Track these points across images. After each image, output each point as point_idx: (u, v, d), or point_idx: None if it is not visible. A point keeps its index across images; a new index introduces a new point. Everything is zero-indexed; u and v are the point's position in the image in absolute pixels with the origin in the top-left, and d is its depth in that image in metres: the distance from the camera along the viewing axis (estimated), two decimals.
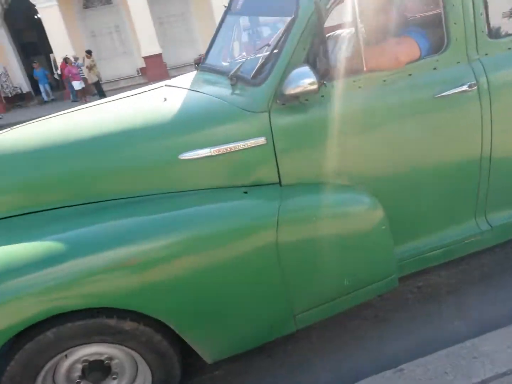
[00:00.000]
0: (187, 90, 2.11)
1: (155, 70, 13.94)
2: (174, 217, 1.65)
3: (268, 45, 1.86)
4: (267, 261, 1.68)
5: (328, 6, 1.73)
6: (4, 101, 14.85)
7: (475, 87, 1.86)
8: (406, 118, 1.88)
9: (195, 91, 2.06)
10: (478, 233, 2.08)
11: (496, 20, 1.99)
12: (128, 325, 1.59)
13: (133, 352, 1.69)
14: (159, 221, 1.64)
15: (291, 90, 1.66)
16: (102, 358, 1.71)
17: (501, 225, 2.10)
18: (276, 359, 2.05)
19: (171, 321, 1.64)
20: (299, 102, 1.73)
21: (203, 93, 1.99)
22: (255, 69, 1.83)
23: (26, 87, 16.28)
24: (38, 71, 14.18)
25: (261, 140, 1.74)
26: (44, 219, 1.70)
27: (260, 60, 1.83)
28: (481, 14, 1.85)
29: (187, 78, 2.42)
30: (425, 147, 1.92)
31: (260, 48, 1.94)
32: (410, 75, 1.84)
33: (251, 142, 1.74)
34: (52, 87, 15.73)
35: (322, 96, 1.76)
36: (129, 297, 1.56)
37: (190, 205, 1.70)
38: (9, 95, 15.59)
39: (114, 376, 1.78)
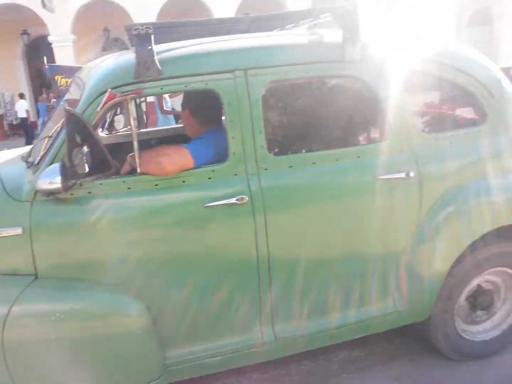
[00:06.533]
0: None
1: None
2: None
3: (56, 130, 1.93)
4: None
5: (99, 110, 1.80)
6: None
7: (246, 201, 1.88)
8: (177, 226, 1.90)
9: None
10: (260, 344, 2.03)
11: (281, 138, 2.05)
12: None
13: None
14: None
15: (40, 184, 1.71)
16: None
17: (286, 337, 2.06)
18: None
19: None
20: (54, 197, 1.77)
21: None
22: (40, 156, 1.90)
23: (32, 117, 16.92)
24: (41, 104, 14.66)
25: (17, 230, 1.78)
26: None
27: (43, 148, 1.91)
28: (260, 132, 1.90)
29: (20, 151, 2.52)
30: (196, 253, 1.92)
31: (50, 134, 2.00)
32: (183, 182, 1.88)
33: (8, 231, 1.78)
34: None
35: (90, 192, 1.82)
36: None
37: None
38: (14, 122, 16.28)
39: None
